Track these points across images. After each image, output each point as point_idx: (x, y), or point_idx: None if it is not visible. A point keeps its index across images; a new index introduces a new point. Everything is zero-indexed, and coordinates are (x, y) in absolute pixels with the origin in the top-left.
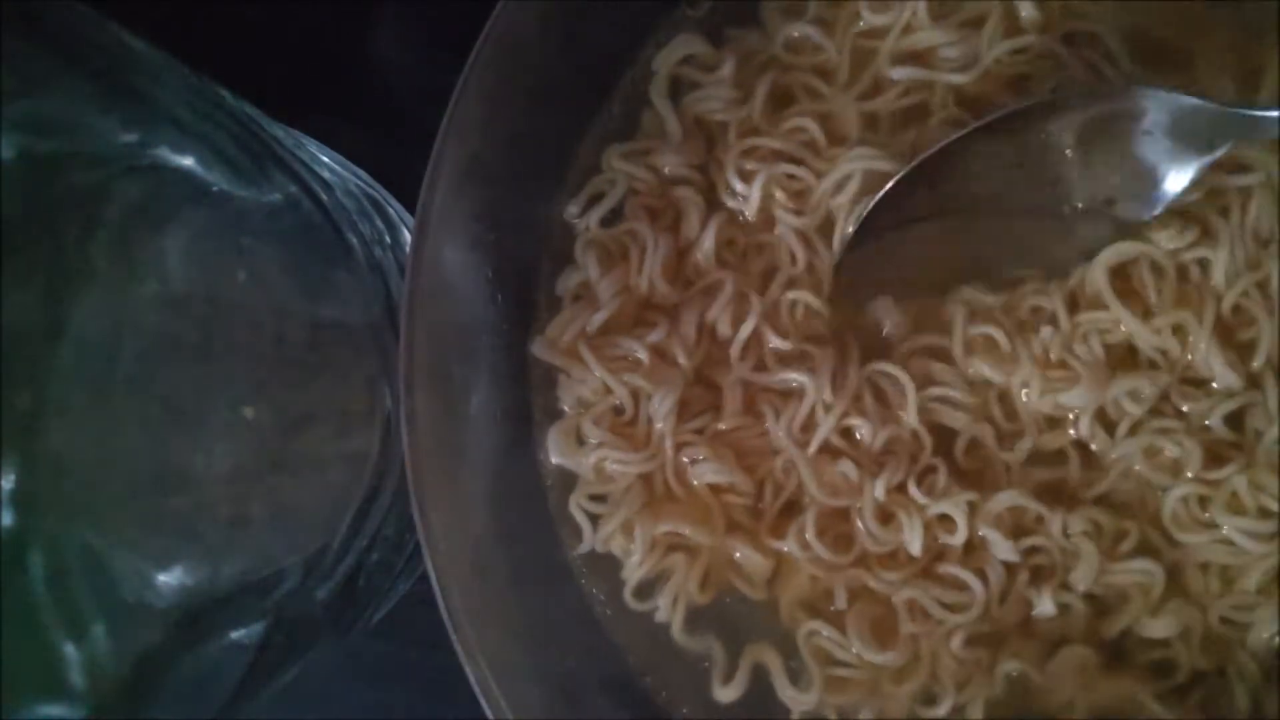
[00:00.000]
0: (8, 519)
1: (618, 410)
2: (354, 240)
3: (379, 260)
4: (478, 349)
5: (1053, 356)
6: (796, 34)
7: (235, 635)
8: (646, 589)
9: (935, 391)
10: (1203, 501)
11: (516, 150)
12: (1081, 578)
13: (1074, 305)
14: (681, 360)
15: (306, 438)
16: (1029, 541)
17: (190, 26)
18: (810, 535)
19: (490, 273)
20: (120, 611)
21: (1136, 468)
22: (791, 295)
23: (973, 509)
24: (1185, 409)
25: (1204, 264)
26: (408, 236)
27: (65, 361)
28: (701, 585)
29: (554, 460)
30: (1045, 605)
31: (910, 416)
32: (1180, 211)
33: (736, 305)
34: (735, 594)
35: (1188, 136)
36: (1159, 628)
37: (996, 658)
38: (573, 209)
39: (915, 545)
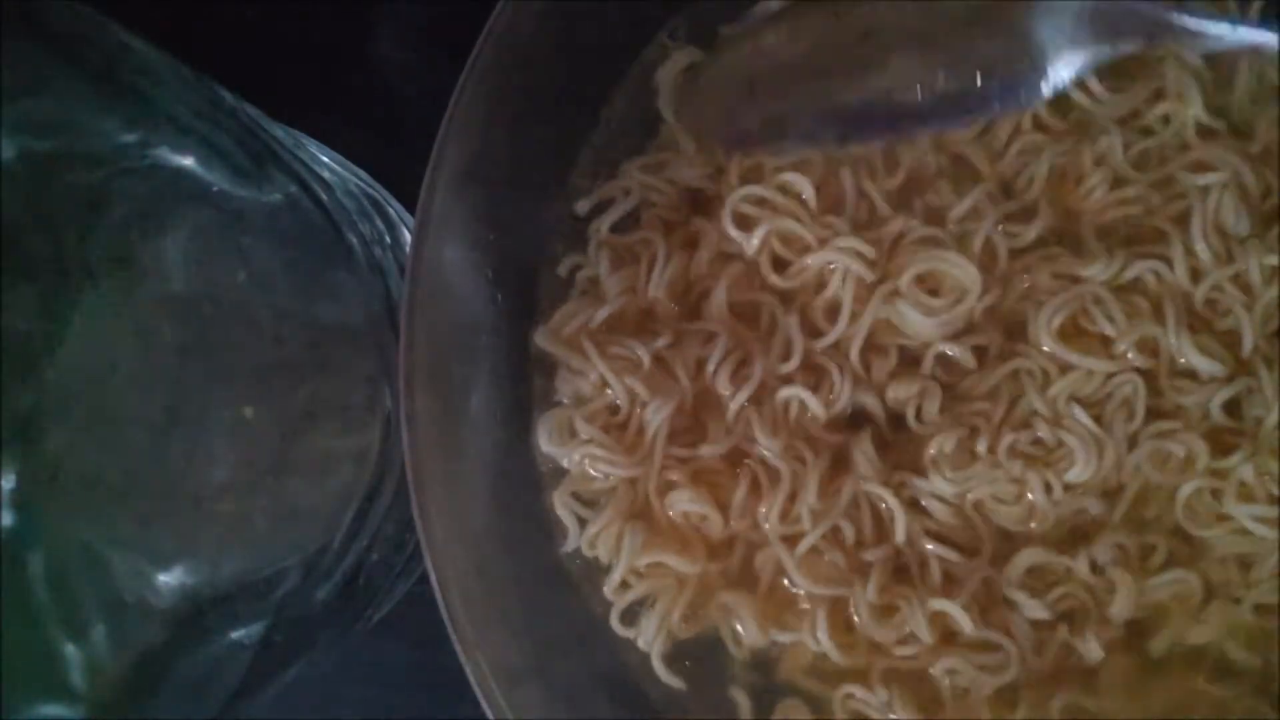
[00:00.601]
0: (8, 519)
1: (612, 410)
2: (354, 240)
3: (379, 260)
4: (478, 349)
5: (1049, 439)
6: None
7: (235, 635)
8: (631, 615)
9: (929, 524)
10: (1215, 494)
11: (516, 150)
12: (1120, 609)
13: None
14: (682, 378)
15: (306, 438)
16: (1057, 593)
17: (190, 26)
18: (823, 635)
19: (490, 273)
20: (120, 611)
21: (1150, 478)
22: (788, 392)
23: (988, 583)
24: (1183, 402)
25: (1158, 272)
26: (408, 236)
27: (65, 361)
28: (686, 619)
29: (543, 448)
30: (1092, 650)
31: (899, 537)
32: (1113, 234)
33: (736, 367)
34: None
35: (1094, 24)
36: (1204, 633)
37: (1045, 703)
38: (583, 205)
39: (925, 634)
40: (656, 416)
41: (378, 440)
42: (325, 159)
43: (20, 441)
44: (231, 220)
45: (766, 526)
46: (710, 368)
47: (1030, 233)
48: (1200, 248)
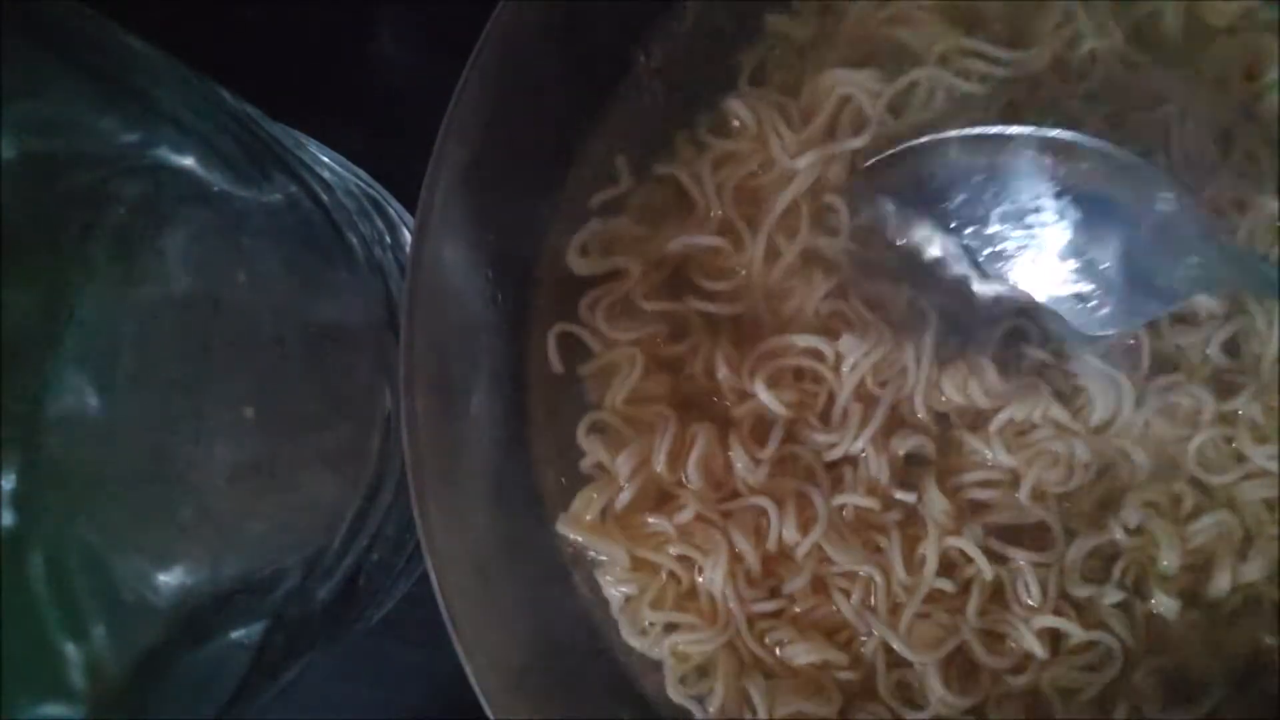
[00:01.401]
0: (8, 519)
1: (672, 578)
2: (354, 240)
3: (379, 260)
4: (478, 349)
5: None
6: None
7: (235, 635)
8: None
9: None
10: (1228, 440)
11: (516, 150)
12: (1169, 560)
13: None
14: (741, 543)
15: (306, 437)
16: (1119, 566)
17: (190, 26)
18: (945, 693)
19: (490, 273)
20: (120, 611)
21: (1161, 432)
22: (841, 500)
23: (1062, 573)
24: (1181, 344)
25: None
26: (408, 236)
27: (65, 362)
28: None
29: (631, 644)
30: (1167, 606)
31: (986, 572)
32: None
33: (798, 513)
34: None
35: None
36: (1254, 570)
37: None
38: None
39: (1037, 648)
40: (715, 576)
41: (378, 440)
42: (325, 159)
43: (20, 441)
44: (231, 220)
45: (874, 622)
46: (773, 537)
47: None
48: (1182, 174)
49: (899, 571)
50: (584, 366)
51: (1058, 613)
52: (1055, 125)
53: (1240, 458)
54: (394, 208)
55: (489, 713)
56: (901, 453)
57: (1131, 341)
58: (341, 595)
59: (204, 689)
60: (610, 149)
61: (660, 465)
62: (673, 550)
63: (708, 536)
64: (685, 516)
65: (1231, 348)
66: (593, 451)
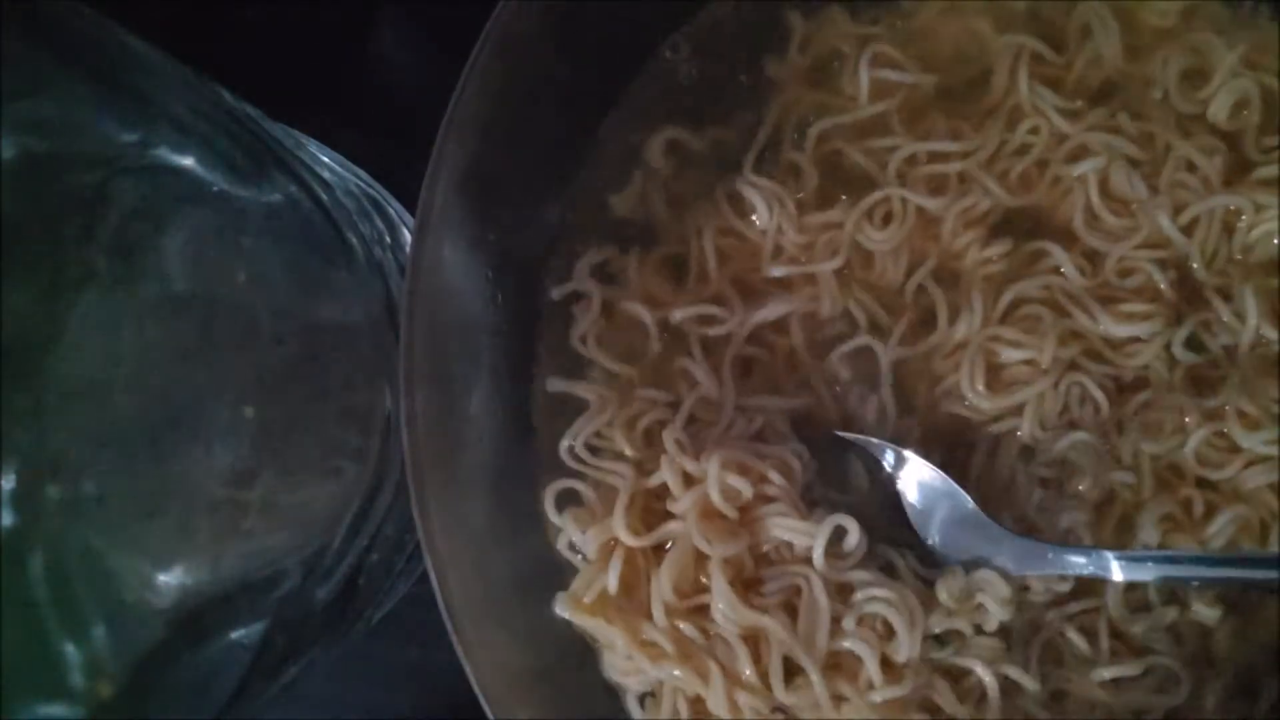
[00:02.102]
0: (8, 519)
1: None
2: (354, 240)
3: (379, 260)
4: (478, 349)
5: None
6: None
7: (235, 635)
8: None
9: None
10: (1221, 435)
11: (516, 150)
12: None
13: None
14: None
15: (306, 438)
16: (1151, 587)
17: (190, 26)
18: None
19: (490, 273)
20: (120, 611)
21: (1148, 449)
22: (876, 697)
23: (1109, 615)
24: (1140, 363)
25: (1045, 284)
26: (408, 236)
27: (65, 361)
28: None
29: None
30: (1207, 615)
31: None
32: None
33: (788, 676)
34: None
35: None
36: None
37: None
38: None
39: (1104, 697)
40: (718, 706)
41: (378, 440)
42: (325, 159)
43: (20, 441)
44: (231, 220)
45: None
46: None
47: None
48: (1093, 238)
49: (957, 711)
50: (553, 382)
51: (1112, 653)
52: None
53: (1236, 448)
54: (394, 208)
55: (489, 713)
56: (937, 631)
57: (1078, 390)
58: (341, 595)
59: (204, 689)
60: (613, 148)
61: (621, 530)
62: (674, 671)
63: (699, 661)
64: (658, 623)
65: (1196, 345)
66: (566, 527)
